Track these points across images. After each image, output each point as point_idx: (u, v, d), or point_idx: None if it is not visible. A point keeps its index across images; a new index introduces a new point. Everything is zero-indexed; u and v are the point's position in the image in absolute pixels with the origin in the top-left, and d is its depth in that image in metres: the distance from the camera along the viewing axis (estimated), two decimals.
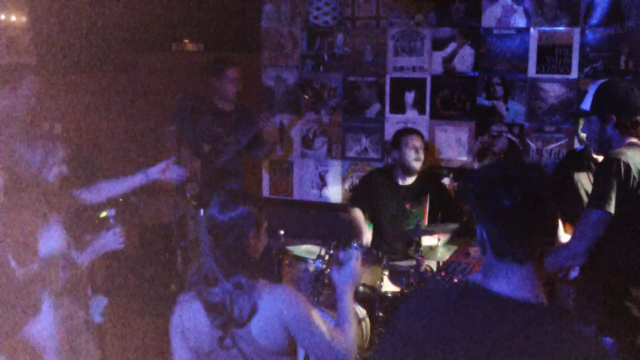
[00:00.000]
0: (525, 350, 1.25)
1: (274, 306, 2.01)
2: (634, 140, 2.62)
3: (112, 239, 2.73)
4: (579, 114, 2.81)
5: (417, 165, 4.08)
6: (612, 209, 2.45)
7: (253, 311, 2.00)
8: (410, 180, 4.16)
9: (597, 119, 2.64)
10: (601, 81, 2.72)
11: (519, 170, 1.39)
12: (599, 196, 2.49)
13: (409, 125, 4.61)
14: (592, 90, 2.70)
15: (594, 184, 2.58)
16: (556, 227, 1.45)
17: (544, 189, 1.37)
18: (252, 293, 2.02)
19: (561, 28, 4.31)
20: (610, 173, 2.47)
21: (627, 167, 2.47)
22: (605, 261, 2.53)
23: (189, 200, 4.47)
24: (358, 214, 4.20)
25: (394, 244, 4.11)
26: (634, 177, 2.47)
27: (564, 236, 3.51)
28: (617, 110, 2.60)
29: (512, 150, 4.50)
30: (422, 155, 4.10)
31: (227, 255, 2.04)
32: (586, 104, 2.70)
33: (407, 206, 4.12)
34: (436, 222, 3.92)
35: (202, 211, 4.50)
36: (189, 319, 2.08)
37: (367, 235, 4.06)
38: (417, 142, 4.09)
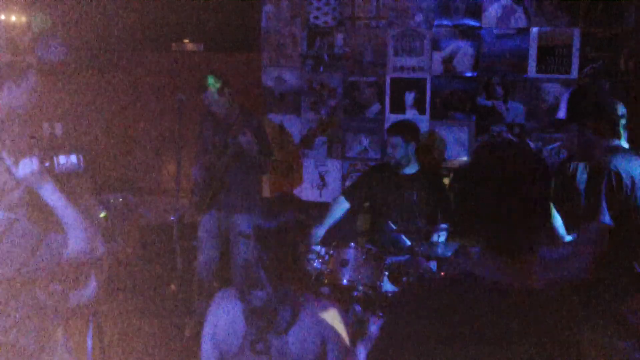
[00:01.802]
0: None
1: (315, 320, 1.98)
2: (616, 142, 2.59)
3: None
4: (557, 124, 2.77)
5: (390, 160, 4.14)
6: (607, 219, 2.40)
7: (293, 321, 1.97)
8: (408, 171, 4.18)
9: (575, 126, 2.61)
10: (573, 88, 2.69)
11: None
12: (592, 208, 2.44)
13: None
14: (566, 98, 2.67)
15: (586, 197, 2.52)
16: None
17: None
18: (296, 303, 1.99)
19: (561, 28, 4.31)
20: (601, 184, 2.42)
21: (618, 175, 2.42)
22: (603, 269, 2.49)
23: (193, 204, 4.48)
24: (337, 202, 4.30)
25: (392, 240, 4.11)
26: (626, 185, 2.42)
27: (566, 236, 3.51)
28: (595, 114, 2.57)
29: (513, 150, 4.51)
30: (397, 153, 4.11)
31: (275, 263, 2.01)
32: (562, 113, 2.67)
33: (407, 195, 4.14)
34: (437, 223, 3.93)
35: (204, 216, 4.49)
36: (225, 316, 2.05)
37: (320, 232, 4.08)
38: (392, 139, 4.13)
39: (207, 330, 2.10)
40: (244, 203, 4.34)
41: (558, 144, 4.38)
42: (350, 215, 4.38)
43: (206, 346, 2.09)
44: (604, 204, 2.40)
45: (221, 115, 4.31)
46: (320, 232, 4.08)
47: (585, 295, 2.58)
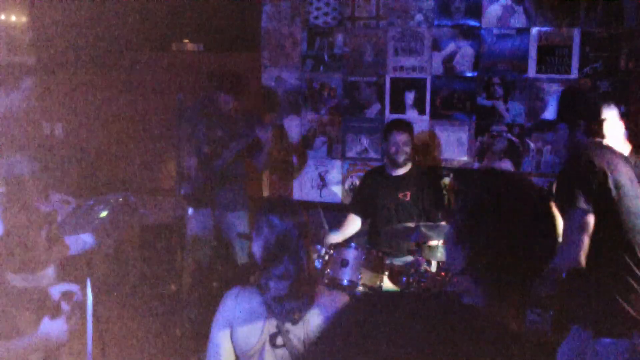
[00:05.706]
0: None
1: (330, 310, 2.10)
2: (598, 139, 2.65)
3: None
4: (546, 124, 2.81)
5: (400, 158, 4.12)
6: (583, 204, 2.44)
7: (309, 309, 2.11)
8: (401, 171, 4.19)
9: (565, 126, 2.66)
10: (562, 89, 2.75)
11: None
12: (566, 196, 2.48)
13: None
14: (555, 99, 2.72)
15: (558, 186, 2.57)
16: None
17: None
18: (312, 294, 2.14)
19: (561, 28, 4.31)
20: (572, 171, 2.50)
21: (591, 164, 2.47)
22: (588, 261, 2.51)
23: (181, 199, 4.44)
24: (349, 220, 4.29)
25: (392, 241, 4.11)
26: (602, 172, 2.47)
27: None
28: (585, 114, 2.63)
29: (513, 150, 4.52)
30: (407, 149, 4.13)
31: (292, 259, 2.14)
32: (551, 113, 2.71)
33: (400, 195, 4.14)
34: (435, 222, 3.92)
35: (190, 210, 4.47)
36: (244, 313, 2.13)
37: (332, 238, 4.04)
38: (401, 136, 4.11)
39: (223, 327, 2.14)
40: (242, 202, 4.33)
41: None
42: (366, 223, 4.40)
43: (223, 345, 2.14)
44: (576, 190, 2.44)
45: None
46: (336, 237, 4.08)
47: (583, 288, 2.61)
